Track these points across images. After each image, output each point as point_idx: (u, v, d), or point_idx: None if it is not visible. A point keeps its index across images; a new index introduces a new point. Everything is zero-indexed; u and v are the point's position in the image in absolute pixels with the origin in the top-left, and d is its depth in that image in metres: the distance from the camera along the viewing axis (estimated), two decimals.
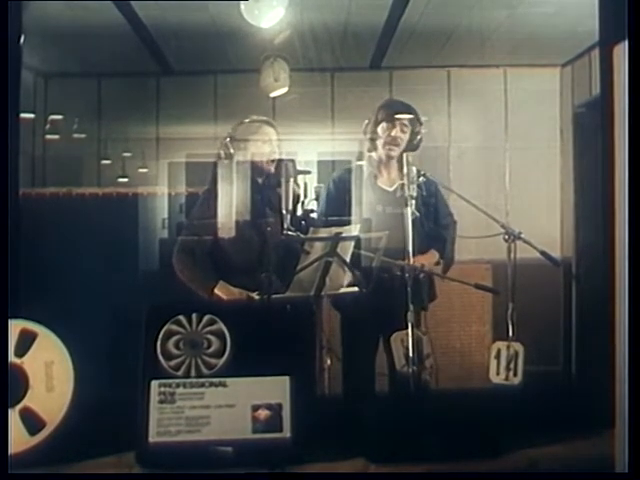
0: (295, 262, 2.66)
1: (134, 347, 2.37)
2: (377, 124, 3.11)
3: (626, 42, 1.94)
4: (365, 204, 3.04)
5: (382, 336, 3.01)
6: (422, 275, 2.78)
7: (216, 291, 2.89)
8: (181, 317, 2.39)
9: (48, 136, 5.43)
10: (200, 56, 5.24)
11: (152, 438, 2.27)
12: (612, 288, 2.03)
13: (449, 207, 3.24)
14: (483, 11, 4.37)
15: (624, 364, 1.93)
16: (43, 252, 3.59)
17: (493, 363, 2.77)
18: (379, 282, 2.77)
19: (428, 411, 2.49)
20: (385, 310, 2.83)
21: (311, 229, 2.74)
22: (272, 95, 4.70)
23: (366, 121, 3.15)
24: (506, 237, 2.79)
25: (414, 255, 2.69)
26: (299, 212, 2.94)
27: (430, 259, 3.05)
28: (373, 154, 3.16)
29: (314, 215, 3.05)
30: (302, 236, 2.71)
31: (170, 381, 2.32)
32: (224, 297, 2.88)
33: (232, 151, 2.99)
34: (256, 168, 2.98)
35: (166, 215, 5.38)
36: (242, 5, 3.78)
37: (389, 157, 3.12)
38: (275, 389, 2.33)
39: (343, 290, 2.81)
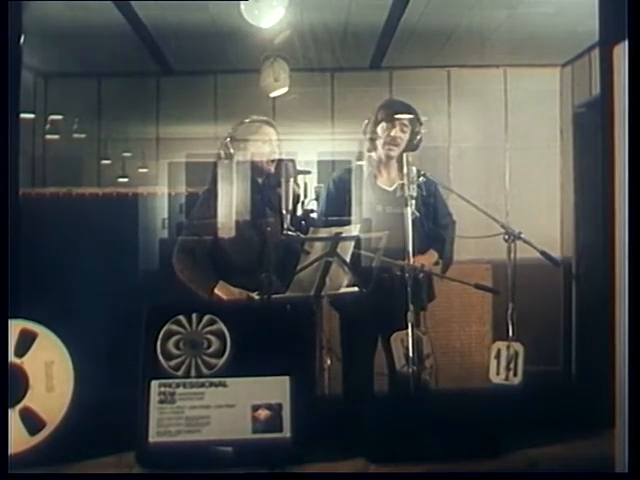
0: (295, 262, 2.66)
1: (134, 347, 2.37)
2: (377, 124, 3.11)
3: (626, 42, 1.94)
4: (365, 204, 3.04)
5: (382, 336, 3.01)
6: (422, 275, 2.78)
7: (216, 291, 2.89)
8: (181, 317, 2.39)
9: (48, 136, 5.43)
10: (200, 56, 5.24)
11: (152, 438, 2.27)
12: (612, 288, 2.03)
13: (448, 207, 3.24)
14: (483, 11, 4.37)
15: (624, 364, 1.93)
16: (43, 252, 3.59)
17: (493, 363, 2.77)
18: (379, 282, 2.77)
19: (428, 411, 2.49)
20: (385, 310, 2.83)
21: (311, 229, 2.74)
22: (272, 95, 4.70)
23: (366, 121, 3.16)
24: (506, 237, 2.79)
25: (414, 255, 2.69)
26: (299, 212, 2.94)
27: (429, 259, 3.05)
28: (373, 154, 3.16)
29: (314, 215, 3.05)
30: (302, 236, 2.71)
31: (170, 381, 2.32)
32: (224, 297, 2.88)
33: (232, 151, 2.99)
34: (256, 168, 2.98)
35: (166, 215, 5.37)
36: (242, 5, 3.78)
37: (389, 157, 3.12)
38: (275, 389, 2.33)
39: (343, 290, 2.81)
